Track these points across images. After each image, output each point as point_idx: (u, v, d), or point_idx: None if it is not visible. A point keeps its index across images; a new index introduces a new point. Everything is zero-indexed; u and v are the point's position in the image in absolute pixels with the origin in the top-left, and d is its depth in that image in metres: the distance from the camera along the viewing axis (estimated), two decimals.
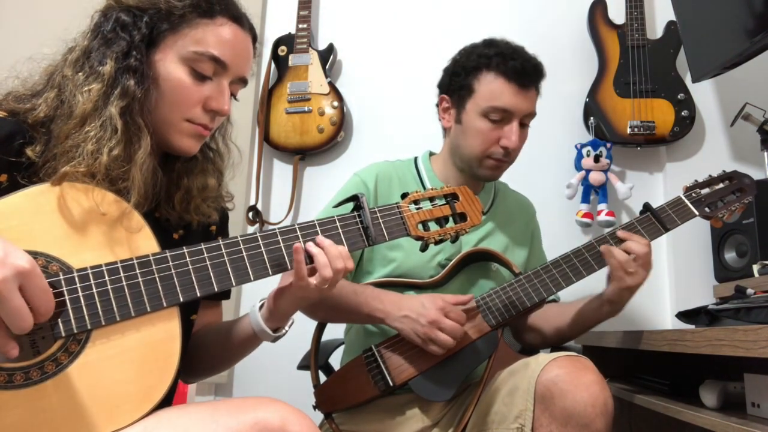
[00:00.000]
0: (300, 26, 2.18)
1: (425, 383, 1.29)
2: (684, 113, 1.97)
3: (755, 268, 1.59)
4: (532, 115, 1.44)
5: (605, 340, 1.48)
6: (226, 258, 0.88)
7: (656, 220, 1.31)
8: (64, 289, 0.79)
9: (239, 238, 0.90)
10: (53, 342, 0.78)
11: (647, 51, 2.02)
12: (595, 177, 2.00)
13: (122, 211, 0.86)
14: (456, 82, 1.46)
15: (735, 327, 0.92)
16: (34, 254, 0.77)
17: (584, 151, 2.02)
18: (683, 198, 1.35)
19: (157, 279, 0.84)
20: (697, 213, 1.33)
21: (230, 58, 0.97)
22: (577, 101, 2.06)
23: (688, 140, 2.02)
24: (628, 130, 1.98)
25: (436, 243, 1.03)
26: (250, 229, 2.13)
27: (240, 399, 0.83)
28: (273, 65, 2.19)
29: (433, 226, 1.03)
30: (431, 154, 1.57)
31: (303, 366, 1.53)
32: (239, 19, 1.00)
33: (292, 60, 2.17)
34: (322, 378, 1.40)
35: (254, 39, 1.04)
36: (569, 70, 2.12)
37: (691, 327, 1.24)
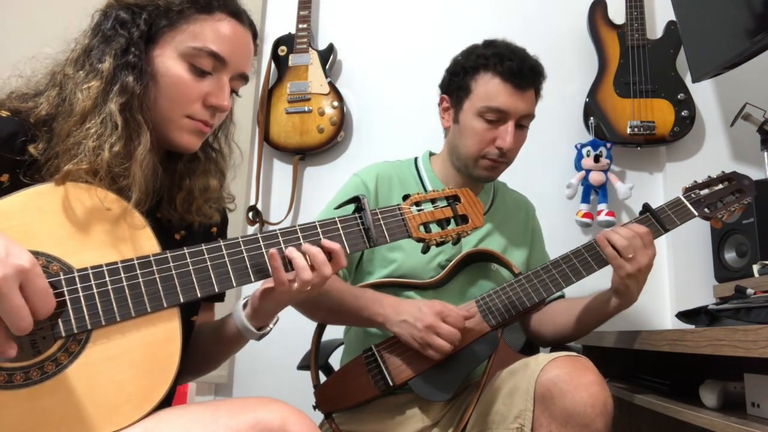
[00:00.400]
0: (300, 26, 2.18)
1: (425, 383, 1.29)
2: (684, 113, 1.97)
3: (755, 268, 1.59)
4: (530, 116, 1.44)
5: (605, 340, 1.48)
6: (227, 259, 0.88)
7: (656, 221, 1.31)
8: (65, 289, 0.78)
9: (240, 239, 0.90)
10: (53, 342, 0.78)
11: (647, 51, 2.02)
12: (595, 177, 2.00)
13: (124, 209, 0.86)
14: (455, 82, 1.46)
15: (735, 327, 0.92)
16: (35, 254, 0.77)
17: (584, 151, 2.02)
18: (683, 199, 1.35)
19: (158, 279, 0.84)
20: (696, 214, 1.33)
21: (229, 53, 0.97)
22: (577, 101, 2.07)
23: (688, 140, 2.02)
24: (628, 130, 1.98)
25: (438, 245, 1.03)
26: (250, 230, 2.13)
27: (240, 399, 0.84)
28: (273, 65, 2.20)
29: (435, 228, 1.03)
30: (431, 154, 1.57)
31: (303, 366, 1.53)
32: (238, 14, 1.00)
33: (292, 60, 2.17)
34: (322, 378, 1.40)
35: (254, 35, 1.04)
36: (569, 70, 2.12)
37: (691, 327, 1.24)
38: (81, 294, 0.79)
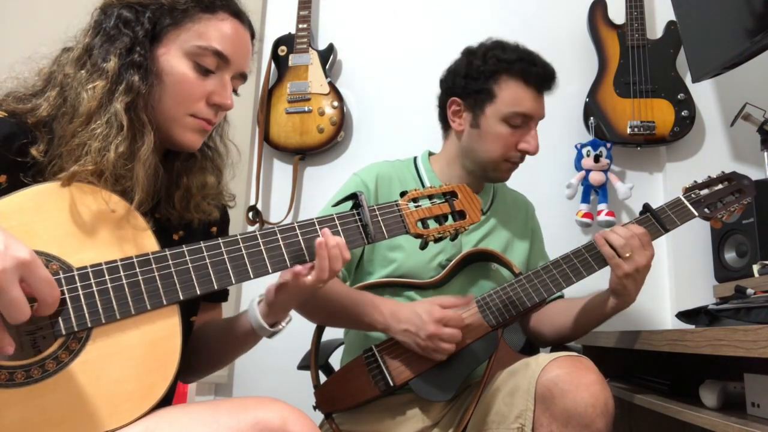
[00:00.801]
0: (300, 26, 2.18)
1: (425, 383, 1.29)
2: (684, 113, 1.98)
3: (755, 268, 1.59)
4: (542, 118, 1.46)
5: (605, 340, 1.48)
6: (225, 256, 0.88)
7: (656, 221, 1.31)
8: (65, 287, 0.78)
9: (239, 237, 0.90)
10: (54, 340, 0.78)
11: (647, 51, 2.02)
12: (595, 177, 2.00)
13: (127, 211, 0.87)
14: (472, 86, 1.44)
15: (735, 327, 0.92)
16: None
17: (584, 151, 2.02)
18: (683, 199, 1.35)
19: (157, 277, 0.84)
20: (696, 214, 1.34)
21: (232, 52, 0.98)
22: (577, 101, 2.07)
23: (688, 140, 2.02)
24: (628, 130, 1.98)
25: (436, 241, 1.03)
26: (250, 229, 2.13)
27: (241, 399, 0.84)
28: (273, 65, 2.20)
29: (432, 224, 1.03)
30: (430, 154, 1.57)
31: (303, 366, 1.53)
32: (239, 14, 1.01)
33: (292, 60, 2.17)
34: (323, 378, 1.40)
35: (253, 35, 1.05)
36: (569, 70, 2.12)
37: (691, 327, 1.24)
38: (81, 292, 0.79)
